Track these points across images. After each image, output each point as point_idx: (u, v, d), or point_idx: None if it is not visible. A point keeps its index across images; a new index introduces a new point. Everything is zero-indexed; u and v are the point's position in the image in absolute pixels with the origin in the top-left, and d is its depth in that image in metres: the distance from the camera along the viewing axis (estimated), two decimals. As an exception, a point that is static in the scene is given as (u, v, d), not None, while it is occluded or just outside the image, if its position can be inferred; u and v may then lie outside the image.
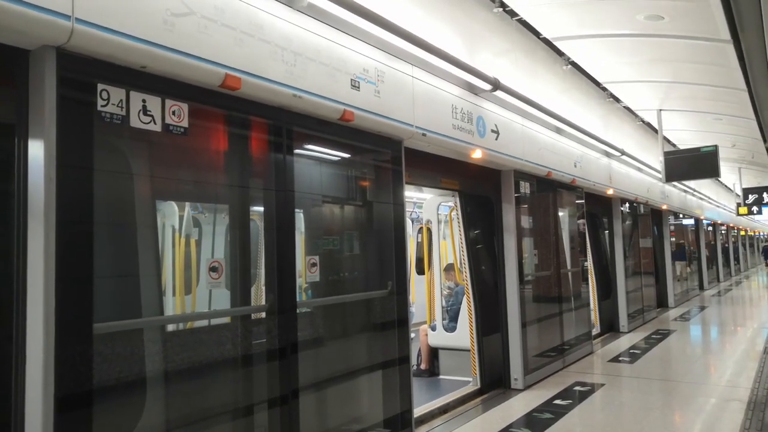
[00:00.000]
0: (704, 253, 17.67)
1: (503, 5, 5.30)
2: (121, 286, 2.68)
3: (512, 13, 5.51)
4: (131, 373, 2.59)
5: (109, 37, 2.20)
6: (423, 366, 6.68)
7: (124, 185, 2.62)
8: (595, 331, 8.61)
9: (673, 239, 13.86)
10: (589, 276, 8.41)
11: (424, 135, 4.12)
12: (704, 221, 18.01)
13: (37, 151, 2.13)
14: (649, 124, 10.47)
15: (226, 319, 3.22)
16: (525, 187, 6.01)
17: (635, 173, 10.11)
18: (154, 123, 2.46)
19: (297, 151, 3.29)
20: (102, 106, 2.27)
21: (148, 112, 2.43)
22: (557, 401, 5.09)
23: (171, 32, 2.41)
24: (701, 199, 16.38)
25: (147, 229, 2.79)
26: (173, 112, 2.53)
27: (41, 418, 2.07)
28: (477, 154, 4.89)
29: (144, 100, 2.41)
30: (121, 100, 2.33)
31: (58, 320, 2.09)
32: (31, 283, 2.14)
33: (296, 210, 3.27)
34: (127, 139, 2.51)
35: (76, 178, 2.20)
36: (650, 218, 11.60)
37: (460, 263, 6.16)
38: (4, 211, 2.20)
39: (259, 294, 3.71)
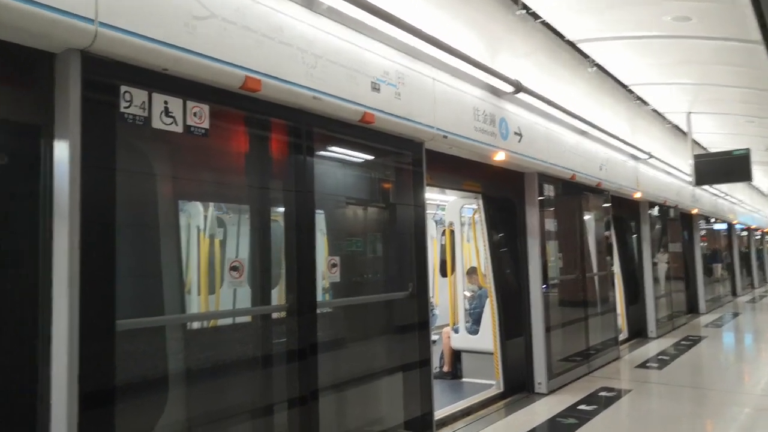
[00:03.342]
0: (737, 258, 17.21)
1: (526, 7, 5.26)
2: (143, 284, 2.73)
3: (535, 16, 5.46)
4: (153, 370, 2.64)
5: (131, 40, 2.25)
6: (445, 368, 6.64)
7: (146, 185, 2.67)
8: (623, 336, 8.44)
9: (705, 244, 13.56)
10: (616, 280, 8.25)
11: (445, 137, 4.11)
12: (737, 226, 17.54)
13: (62, 152, 2.19)
14: (677, 127, 10.26)
15: (247, 318, 3.25)
16: (549, 190, 5.94)
17: (664, 176, 9.91)
18: (176, 124, 2.50)
19: (317, 152, 3.31)
20: (125, 107, 2.32)
21: (170, 114, 2.48)
22: (582, 406, 5.00)
23: (192, 35, 2.45)
24: (734, 203, 15.96)
25: (169, 229, 2.84)
26: (194, 114, 2.58)
27: (66, 414, 2.11)
28: (500, 156, 4.85)
29: (166, 102, 2.46)
30: (144, 102, 2.38)
31: (82, 318, 2.14)
32: (56, 282, 2.19)
33: (316, 211, 3.29)
34: (150, 140, 2.56)
35: (99, 178, 2.25)
36: (680, 222, 11.35)
37: (484, 266, 6.11)
38: (31, 212, 2.27)
39: (282, 294, 3.74)
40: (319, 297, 3.43)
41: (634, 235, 9.43)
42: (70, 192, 2.15)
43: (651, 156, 8.64)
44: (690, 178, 9.64)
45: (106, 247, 2.26)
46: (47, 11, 2.00)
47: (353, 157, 3.86)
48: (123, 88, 2.31)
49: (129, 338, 2.42)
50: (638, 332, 8.99)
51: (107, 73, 2.27)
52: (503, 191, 5.75)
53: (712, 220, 14.66)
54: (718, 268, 14.65)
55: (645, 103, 8.65)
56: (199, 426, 2.82)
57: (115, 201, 2.31)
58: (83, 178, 2.17)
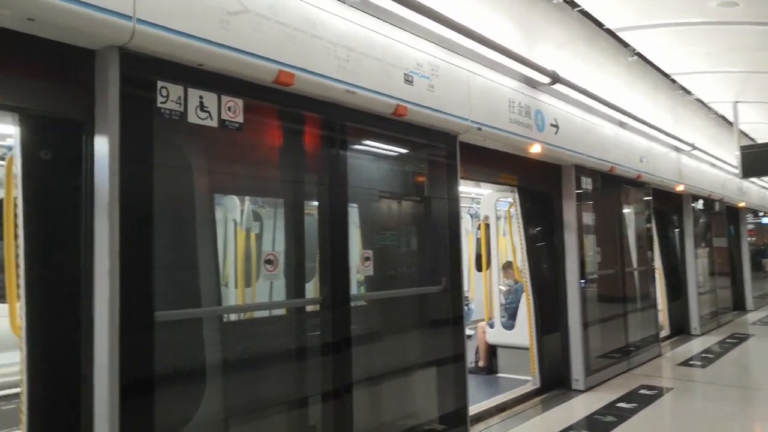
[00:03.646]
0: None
1: (563, -5, 5.14)
2: (180, 276, 2.78)
3: (573, 4, 5.33)
4: (191, 361, 2.69)
5: (167, 36, 2.28)
6: (481, 363, 6.60)
7: (182, 179, 2.72)
8: (664, 333, 8.22)
9: (753, 238, 13.07)
10: (658, 275, 8.03)
11: (479, 129, 4.06)
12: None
13: (101, 146, 2.24)
14: (723, 117, 9.89)
15: (282, 311, 3.28)
16: (587, 183, 5.81)
17: (708, 168, 9.58)
18: (211, 119, 2.53)
19: (350, 145, 3.31)
20: (162, 102, 2.36)
21: (205, 108, 2.51)
22: (621, 404, 4.88)
23: (226, 30, 2.48)
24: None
25: (205, 222, 2.88)
26: (229, 108, 2.61)
27: (107, 402, 2.17)
28: (535, 149, 4.77)
29: (201, 97, 2.49)
30: (180, 97, 2.42)
31: (122, 309, 2.19)
32: (97, 273, 2.25)
33: (350, 204, 3.29)
34: (186, 134, 2.61)
35: (138, 172, 2.30)
36: (725, 216, 10.96)
37: (520, 260, 6.03)
38: (74, 205, 2.33)
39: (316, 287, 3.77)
40: (354, 290, 3.44)
41: (677, 230, 9.15)
42: (109, 186, 2.20)
43: (694, 147, 8.35)
44: (736, 170, 9.28)
45: (144, 239, 2.31)
46: (87, 8, 2.04)
47: (386, 150, 3.85)
48: (160, 84, 2.36)
49: (167, 329, 2.47)
50: (681, 329, 8.73)
51: (144, 69, 2.32)
52: (539, 184, 5.65)
53: (761, 213, 14.11)
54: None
55: (688, 92, 8.35)
56: (236, 416, 2.87)
57: (152, 194, 2.35)
58: (122, 172, 2.21)
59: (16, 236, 2.33)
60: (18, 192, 2.32)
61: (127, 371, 2.19)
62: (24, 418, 2.27)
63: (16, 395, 2.32)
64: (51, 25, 2.06)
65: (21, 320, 2.28)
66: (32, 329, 2.27)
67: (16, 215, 2.33)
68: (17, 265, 2.31)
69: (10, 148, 2.50)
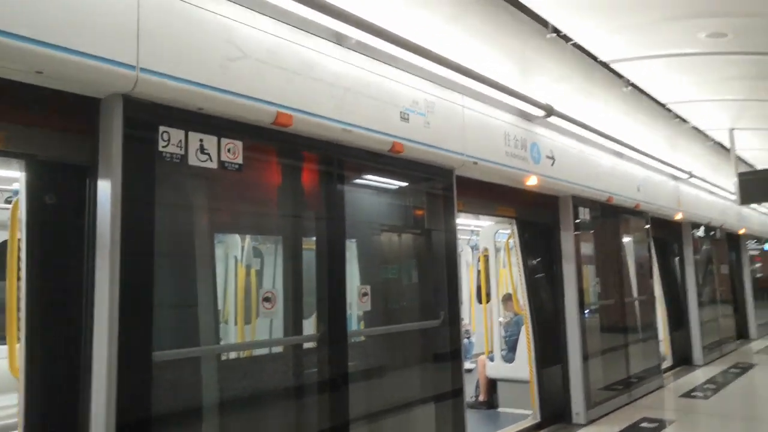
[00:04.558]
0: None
1: (557, 31, 5.25)
2: (180, 316, 2.81)
3: (566, 38, 5.45)
4: (189, 401, 2.70)
5: (169, 83, 2.35)
6: (481, 398, 6.54)
7: (183, 220, 2.77)
8: (667, 363, 8.15)
9: (759, 265, 13.04)
10: (658, 305, 8.01)
11: (475, 163, 4.12)
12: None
13: (104, 190, 2.30)
14: (720, 144, 9.97)
15: (280, 349, 3.30)
16: (584, 213, 5.85)
17: (707, 196, 9.63)
18: (211, 160, 2.60)
19: (347, 182, 3.37)
20: (163, 146, 2.43)
21: (205, 151, 2.57)
22: (622, 438, 4.84)
23: (226, 75, 2.56)
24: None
25: (205, 262, 2.92)
26: (228, 150, 2.67)
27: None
28: (532, 181, 4.83)
29: (201, 140, 2.56)
30: (180, 141, 2.48)
31: (120, 350, 2.21)
32: (97, 315, 2.28)
33: (347, 240, 3.33)
34: (186, 176, 2.66)
35: (139, 215, 2.35)
36: (726, 243, 10.95)
37: (520, 292, 6.03)
38: (77, 247, 2.38)
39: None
40: (352, 326, 3.45)
41: (677, 257, 9.15)
42: (111, 228, 2.25)
43: (692, 175, 8.42)
44: (735, 197, 9.32)
45: (144, 282, 2.35)
46: (93, 60, 2.12)
47: (383, 185, 3.91)
48: (161, 129, 2.42)
49: (165, 369, 2.49)
50: (683, 359, 8.66)
51: (147, 115, 2.38)
52: (537, 215, 5.70)
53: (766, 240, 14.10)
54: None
55: (684, 121, 8.44)
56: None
57: (153, 236, 2.40)
58: (123, 215, 2.26)
59: (18, 278, 2.37)
60: (22, 235, 2.37)
61: (124, 412, 2.21)
62: (22, 460, 2.27)
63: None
64: (59, 76, 2.13)
65: (20, 362, 2.30)
66: (31, 371, 2.30)
67: (19, 258, 2.38)
68: (18, 308, 2.34)
69: (16, 192, 2.55)
